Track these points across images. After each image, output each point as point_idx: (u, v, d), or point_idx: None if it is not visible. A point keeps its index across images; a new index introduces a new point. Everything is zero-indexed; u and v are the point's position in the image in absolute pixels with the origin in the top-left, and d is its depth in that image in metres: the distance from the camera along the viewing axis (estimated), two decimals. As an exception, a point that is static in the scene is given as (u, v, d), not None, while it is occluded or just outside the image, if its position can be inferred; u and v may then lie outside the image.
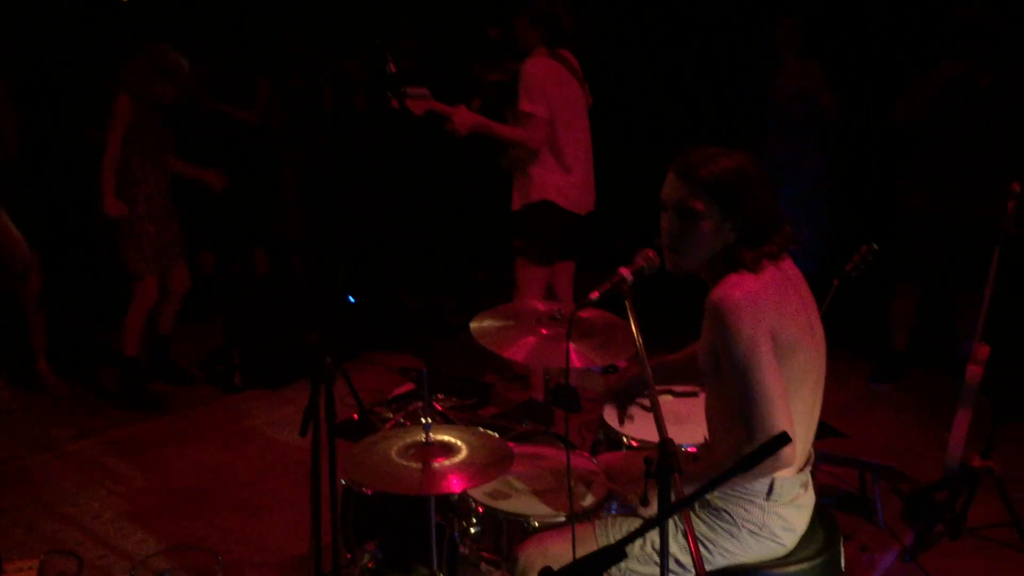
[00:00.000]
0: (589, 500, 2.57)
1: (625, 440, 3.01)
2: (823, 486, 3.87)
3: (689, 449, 2.78)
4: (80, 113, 5.60)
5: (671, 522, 2.17)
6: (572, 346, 3.05)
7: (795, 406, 2.16)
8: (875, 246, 3.40)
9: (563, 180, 4.39)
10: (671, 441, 1.83)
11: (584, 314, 2.97)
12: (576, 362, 3.06)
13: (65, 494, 4.01)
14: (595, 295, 2.18)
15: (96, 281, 5.84)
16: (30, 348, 5.01)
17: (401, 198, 6.40)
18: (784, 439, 1.44)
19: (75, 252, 5.79)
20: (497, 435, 2.63)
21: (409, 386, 4.84)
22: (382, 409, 4.57)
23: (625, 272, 2.18)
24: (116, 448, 4.47)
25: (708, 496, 2.26)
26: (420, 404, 3.87)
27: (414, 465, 2.34)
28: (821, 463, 3.73)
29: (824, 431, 4.16)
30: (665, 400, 3.22)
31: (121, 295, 4.99)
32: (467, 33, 6.30)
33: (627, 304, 2.13)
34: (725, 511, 2.26)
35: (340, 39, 6.71)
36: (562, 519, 2.49)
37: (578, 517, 2.46)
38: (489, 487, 2.62)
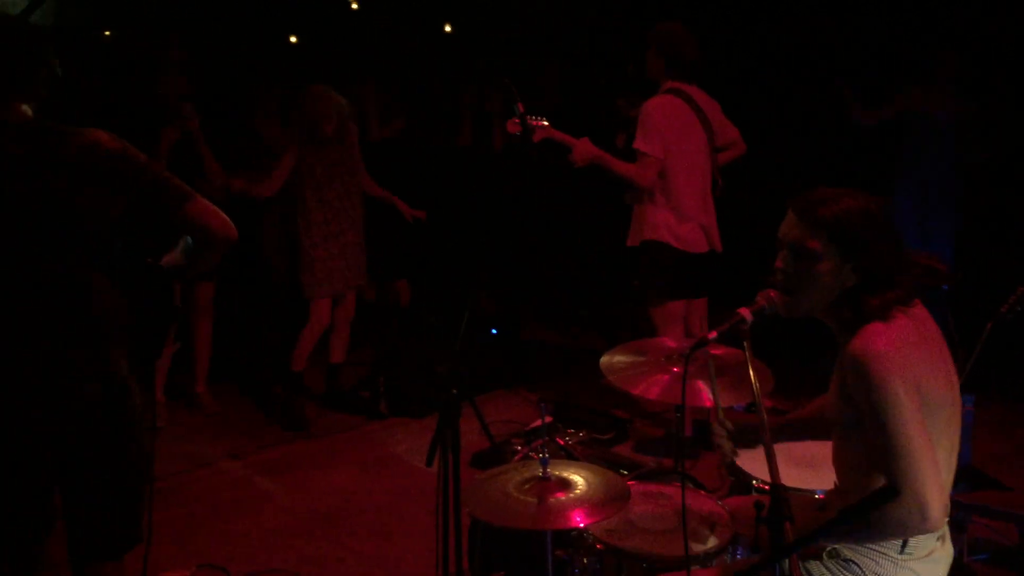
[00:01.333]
0: (712, 543, 2.51)
1: (755, 483, 2.92)
2: (978, 540, 3.64)
3: (818, 496, 2.68)
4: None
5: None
6: (702, 385, 3.02)
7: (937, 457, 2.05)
8: (1033, 287, 3.19)
9: (675, 220, 4.36)
10: (783, 487, 1.77)
11: (716, 351, 2.92)
12: (707, 402, 3.02)
13: (216, 511, 4.23)
14: (713, 335, 2.14)
15: (259, 310, 6.20)
16: (192, 371, 5.33)
17: (541, 231, 6.47)
18: (891, 493, 1.37)
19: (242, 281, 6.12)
20: (617, 472, 2.61)
21: (547, 419, 4.86)
22: (519, 441, 4.62)
23: (745, 312, 2.14)
24: (265, 468, 4.69)
25: (838, 547, 2.17)
26: (547, 439, 3.91)
27: (530, 499, 2.35)
28: (978, 516, 3.51)
29: (983, 482, 3.93)
30: (799, 443, 3.11)
31: (285, 322, 5.26)
32: (612, 69, 6.35)
33: (745, 345, 2.09)
34: (854, 563, 2.16)
35: (483, 77, 6.88)
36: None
37: (699, 560, 2.40)
38: (611, 524, 2.60)
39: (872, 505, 1.38)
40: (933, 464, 1.99)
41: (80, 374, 2.35)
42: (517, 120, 3.82)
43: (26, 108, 2.35)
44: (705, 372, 2.95)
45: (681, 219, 4.36)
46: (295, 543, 3.94)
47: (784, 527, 1.71)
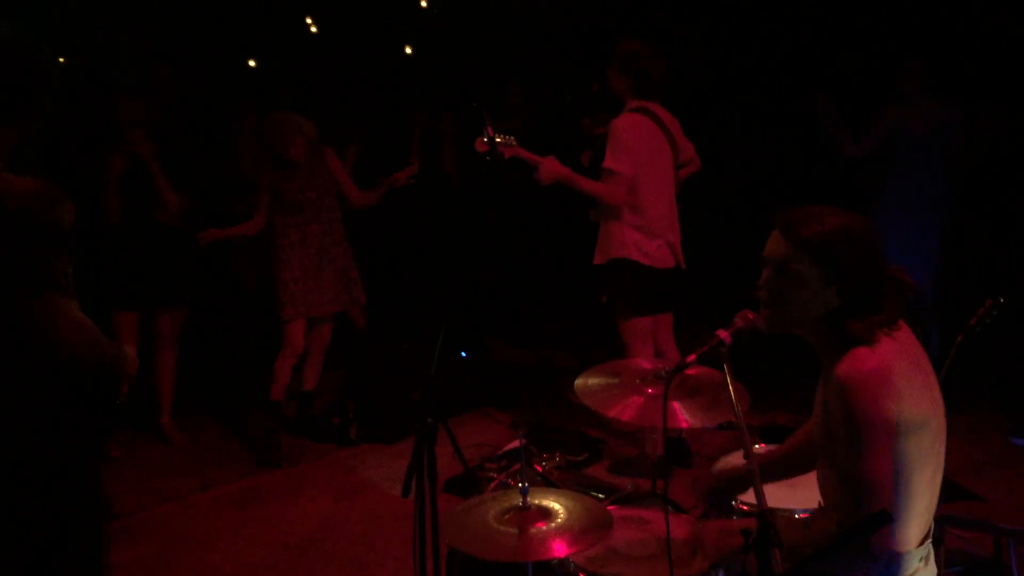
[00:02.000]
0: (695, 567, 2.49)
1: (734, 504, 2.90)
2: (953, 552, 3.64)
3: (801, 515, 2.66)
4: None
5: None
6: (678, 405, 3.01)
7: (917, 479, 2.05)
8: (1001, 300, 3.22)
9: (642, 237, 4.38)
10: (771, 511, 1.75)
11: (690, 371, 2.91)
12: (682, 422, 3.00)
13: (187, 546, 4.14)
14: (692, 358, 2.13)
15: (231, 335, 6.12)
16: (156, 402, 5.23)
17: (506, 250, 6.46)
18: (885, 518, 1.36)
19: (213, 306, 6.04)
20: (599, 497, 2.58)
21: (523, 443, 4.83)
22: (492, 465, 4.58)
23: (723, 335, 2.13)
24: (235, 500, 4.60)
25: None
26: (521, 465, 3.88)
27: (510, 530, 2.31)
28: (952, 527, 3.51)
29: (957, 493, 3.95)
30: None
31: (259, 348, 5.19)
32: (576, 88, 6.37)
33: (725, 367, 2.07)
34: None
35: (436, 98, 6.88)
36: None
37: (682, 586, 2.37)
38: (593, 552, 2.56)
39: (867, 532, 1.37)
40: (889, 492, 1.98)
41: None
42: (485, 140, 3.82)
43: None
44: (680, 392, 2.94)
45: (649, 236, 4.37)
46: (269, 576, 3.87)
47: (773, 555, 1.69)
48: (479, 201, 6.62)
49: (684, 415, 3.00)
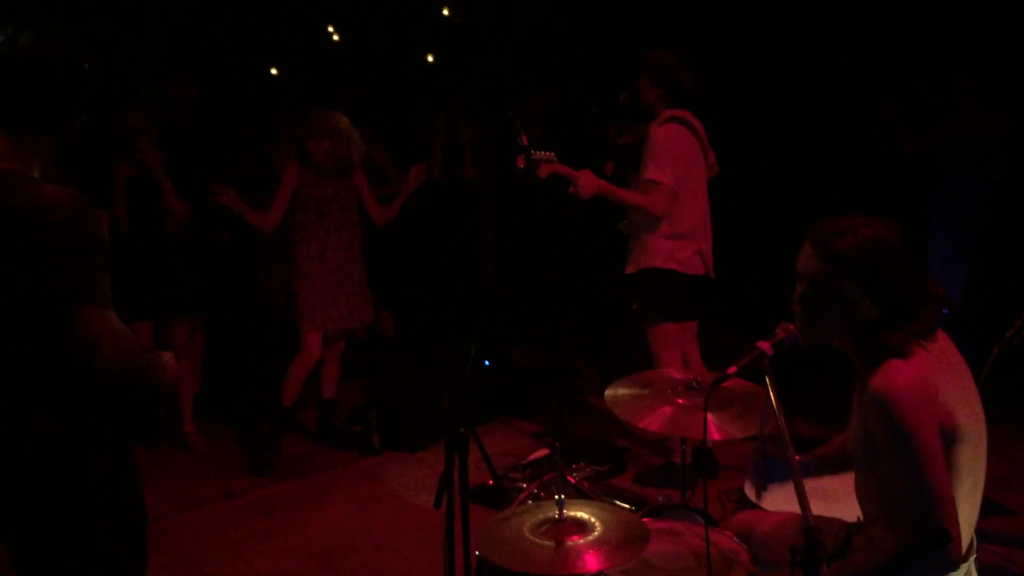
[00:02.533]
0: (731, 581, 2.46)
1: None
2: (986, 566, 3.59)
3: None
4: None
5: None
6: (711, 416, 2.99)
7: (958, 492, 2.01)
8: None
9: (676, 246, 4.36)
10: (818, 529, 1.72)
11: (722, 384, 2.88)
12: (714, 434, 2.98)
13: (211, 554, 4.12)
14: (733, 370, 2.10)
15: (251, 344, 6.12)
16: (176, 410, 5.23)
17: (530, 259, 6.45)
18: (944, 537, 1.33)
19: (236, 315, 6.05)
20: (632, 509, 2.56)
21: (544, 451, 4.81)
22: (517, 475, 4.56)
23: (764, 346, 2.10)
24: (259, 508, 4.58)
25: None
26: (553, 475, 3.85)
27: (547, 543, 2.28)
28: (984, 542, 3.47)
29: (988, 507, 3.89)
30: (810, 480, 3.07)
31: (278, 357, 5.19)
32: (601, 98, 6.35)
33: (767, 380, 2.04)
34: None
35: (456, 106, 6.87)
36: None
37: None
38: (625, 566, 2.54)
39: (926, 549, 1.34)
40: (951, 504, 1.95)
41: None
42: (527, 156, 3.80)
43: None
44: (712, 403, 2.91)
45: (683, 244, 4.36)
46: (294, 586, 3.85)
47: (821, 571, 1.66)
48: (508, 210, 6.63)
49: (716, 426, 2.99)
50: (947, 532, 1.33)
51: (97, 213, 2.11)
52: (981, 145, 5.45)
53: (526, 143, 3.56)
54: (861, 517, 2.31)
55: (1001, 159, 5.46)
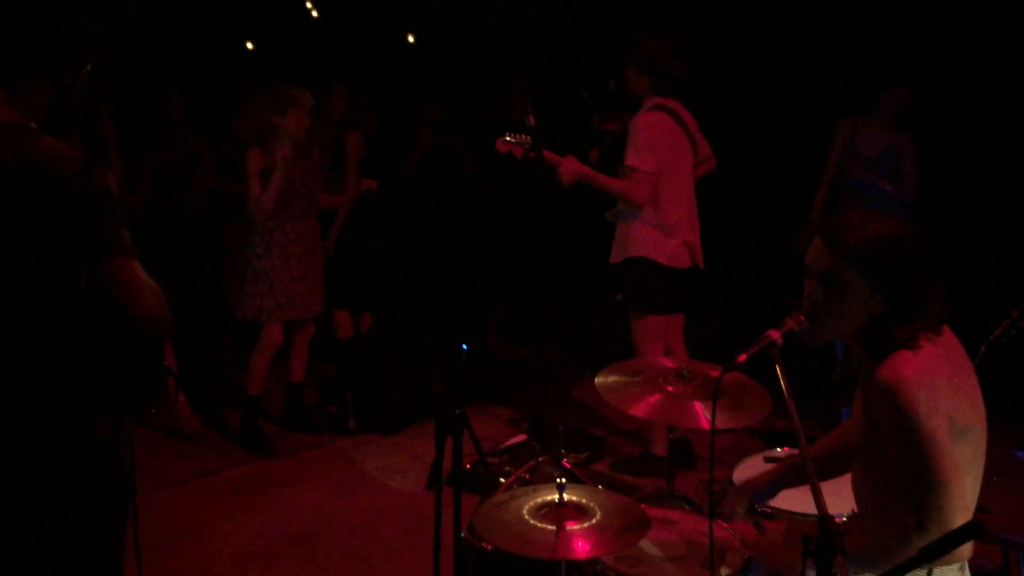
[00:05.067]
0: (725, 570, 2.46)
1: (756, 507, 2.88)
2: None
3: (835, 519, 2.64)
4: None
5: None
6: (699, 406, 2.98)
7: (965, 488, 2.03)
8: (1028, 312, 3.23)
9: (662, 236, 4.35)
10: (831, 518, 1.73)
11: (712, 374, 2.88)
12: (704, 423, 2.98)
13: (187, 529, 4.08)
14: (742, 358, 2.09)
15: (228, 324, 6.03)
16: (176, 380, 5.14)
17: (510, 248, 6.42)
18: (979, 531, 1.33)
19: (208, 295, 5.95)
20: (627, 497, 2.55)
21: (521, 436, 4.80)
22: (495, 460, 4.54)
23: (775, 335, 2.08)
24: (236, 487, 4.54)
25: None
26: (542, 460, 3.84)
27: (548, 527, 2.27)
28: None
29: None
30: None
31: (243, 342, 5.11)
32: (587, 85, 6.34)
33: (777, 369, 2.04)
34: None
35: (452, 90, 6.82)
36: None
37: (715, 588, 2.35)
38: (620, 552, 2.53)
39: (958, 542, 1.35)
40: (961, 495, 1.97)
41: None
42: (507, 139, 3.75)
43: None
44: (702, 393, 2.92)
45: (668, 235, 4.34)
46: (271, 566, 3.81)
47: (835, 561, 1.66)
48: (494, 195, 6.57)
49: (706, 416, 2.98)
50: (982, 524, 1.33)
51: (105, 165, 2.09)
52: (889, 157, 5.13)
53: (533, 123, 3.53)
54: (856, 510, 2.32)
55: (909, 176, 5.12)
